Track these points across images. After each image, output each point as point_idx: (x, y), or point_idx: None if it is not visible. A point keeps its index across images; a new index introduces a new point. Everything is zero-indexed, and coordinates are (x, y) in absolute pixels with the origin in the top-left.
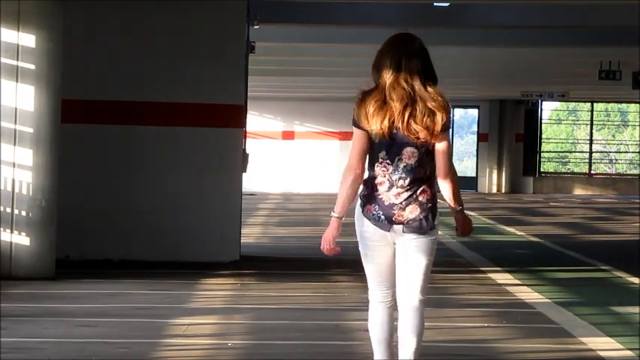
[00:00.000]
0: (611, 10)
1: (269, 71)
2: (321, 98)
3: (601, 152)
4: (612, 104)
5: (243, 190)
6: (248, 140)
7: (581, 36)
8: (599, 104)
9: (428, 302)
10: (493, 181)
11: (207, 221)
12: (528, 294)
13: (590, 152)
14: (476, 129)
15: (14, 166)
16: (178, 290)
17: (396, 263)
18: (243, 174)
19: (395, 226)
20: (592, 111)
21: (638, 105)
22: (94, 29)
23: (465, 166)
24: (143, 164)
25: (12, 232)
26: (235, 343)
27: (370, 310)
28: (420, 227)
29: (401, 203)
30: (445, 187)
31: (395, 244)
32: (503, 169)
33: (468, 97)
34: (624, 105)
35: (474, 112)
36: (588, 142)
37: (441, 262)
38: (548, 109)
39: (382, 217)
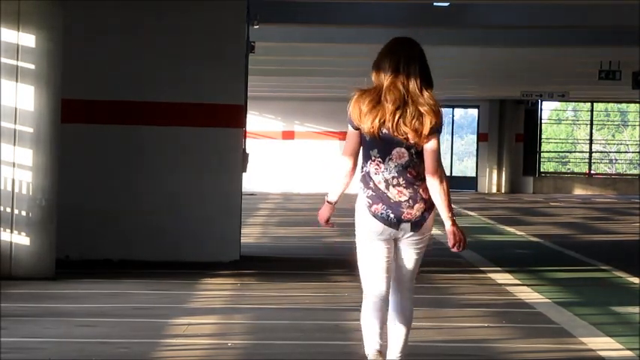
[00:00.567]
0: (611, 10)
1: (269, 71)
2: (321, 98)
3: (601, 152)
4: (612, 104)
5: (243, 190)
6: (248, 140)
7: (581, 36)
8: (599, 104)
9: (428, 302)
10: (493, 181)
11: (207, 221)
12: (528, 294)
13: (590, 152)
14: (476, 129)
15: (14, 166)
16: (178, 290)
17: (396, 258)
18: (243, 174)
19: (403, 224)
20: (592, 111)
21: (638, 105)
22: (94, 29)
23: (465, 166)
24: (143, 164)
25: (12, 232)
26: (235, 343)
27: (364, 303)
28: (425, 225)
29: (407, 201)
30: (433, 189)
31: (396, 240)
32: (503, 169)
33: (468, 97)
34: (624, 105)
35: (474, 112)
36: (588, 142)
37: (441, 262)
38: (548, 109)
39: (392, 215)
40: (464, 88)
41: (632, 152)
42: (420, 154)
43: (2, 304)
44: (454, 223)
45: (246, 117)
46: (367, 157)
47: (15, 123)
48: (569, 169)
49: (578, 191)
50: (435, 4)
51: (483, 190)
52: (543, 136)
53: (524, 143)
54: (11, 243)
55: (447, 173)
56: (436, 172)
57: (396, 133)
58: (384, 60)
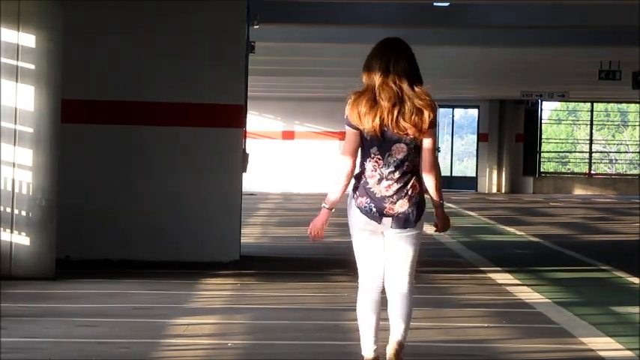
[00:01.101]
0: (611, 10)
1: (269, 71)
2: (321, 98)
3: (601, 152)
4: (612, 104)
5: (243, 190)
6: (248, 140)
7: (581, 36)
8: (599, 104)
9: (428, 302)
10: (493, 181)
11: (207, 221)
12: (528, 294)
13: (590, 152)
14: (476, 129)
15: (14, 166)
16: (178, 290)
17: (385, 253)
18: (243, 174)
19: (384, 219)
20: (592, 111)
21: (638, 105)
22: (94, 29)
23: (465, 166)
24: (143, 164)
25: (12, 232)
26: (235, 343)
27: (359, 294)
28: (407, 221)
29: (392, 197)
30: (429, 180)
31: (383, 234)
32: (503, 169)
33: (468, 97)
34: (624, 105)
35: (474, 112)
36: (588, 142)
37: (441, 262)
38: (548, 109)
39: (374, 209)
40: (464, 88)
41: (632, 152)
42: (417, 148)
43: (2, 304)
44: (442, 211)
45: (246, 117)
46: (366, 155)
47: (15, 123)
48: (569, 169)
49: (578, 191)
50: (435, 4)
51: (483, 190)
52: (543, 136)
53: (524, 143)
54: (11, 243)
55: (447, 173)
56: (434, 165)
57: (396, 130)
58: (374, 61)
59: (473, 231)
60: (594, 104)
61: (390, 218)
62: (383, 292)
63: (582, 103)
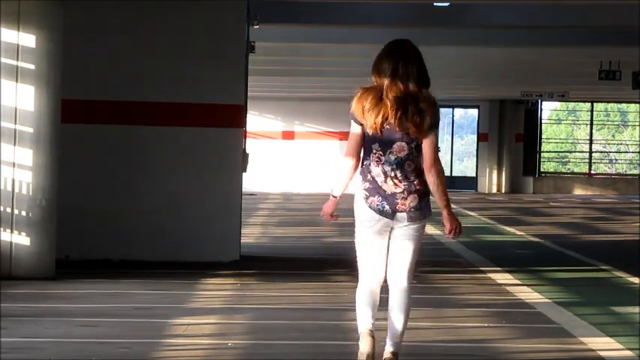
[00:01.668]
0: (611, 10)
1: (269, 71)
2: (321, 98)
3: (601, 152)
4: (612, 104)
5: (243, 190)
6: (248, 140)
7: (581, 36)
8: (599, 104)
9: (428, 302)
10: (493, 181)
11: (207, 221)
12: (528, 294)
13: (590, 152)
14: (476, 129)
15: (14, 166)
16: (178, 290)
17: (391, 248)
18: (243, 174)
19: (398, 214)
20: (592, 111)
21: (638, 105)
22: (94, 29)
23: (465, 166)
24: (143, 164)
25: (12, 232)
26: (235, 343)
27: (358, 286)
28: (419, 215)
29: (402, 192)
30: (431, 179)
31: (392, 230)
32: (503, 169)
33: (468, 97)
34: (624, 105)
35: (474, 112)
36: (588, 142)
37: (441, 262)
38: (548, 109)
39: (386, 207)
40: (464, 88)
41: (632, 152)
42: (419, 147)
43: (2, 304)
44: (449, 211)
45: (246, 117)
46: (369, 151)
47: (15, 123)
48: (569, 169)
49: (578, 191)
50: (435, 4)
51: (483, 190)
52: (543, 136)
53: (524, 143)
54: (11, 243)
55: (447, 173)
56: (434, 164)
57: (398, 129)
58: (383, 62)
59: (473, 231)
60: (594, 104)
61: (403, 213)
62: (382, 292)
63: (582, 103)
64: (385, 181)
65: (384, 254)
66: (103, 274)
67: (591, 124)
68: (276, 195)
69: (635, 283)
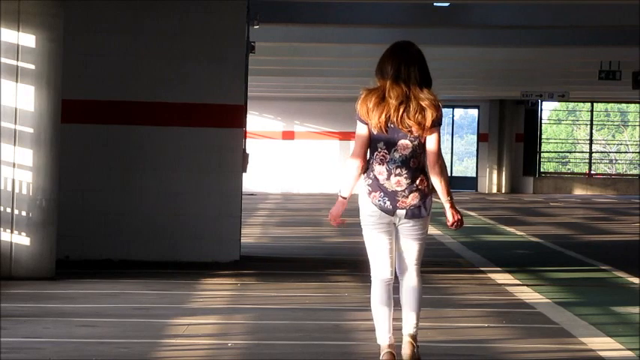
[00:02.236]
0: (611, 10)
1: (269, 71)
2: (321, 98)
3: (601, 152)
4: (612, 104)
5: (243, 190)
6: (248, 140)
7: (581, 36)
8: (599, 104)
9: (428, 302)
10: (493, 181)
11: (207, 221)
12: (528, 294)
13: (590, 152)
14: (476, 129)
15: (14, 166)
16: (178, 290)
17: (397, 243)
18: (243, 174)
19: (398, 211)
20: (592, 111)
21: (638, 105)
22: (95, 29)
23: (465, 166)
24: (143, 164)
25: (12, 232)
26: (235, 343)
27: (372, 288)
28: (420, 212)
29: (403, 191)
30: (434, 175)
31: (396, 225)
32: (503, 169)
33: (468, 97)
34: (624, 105)
35: (474, 112)
36: (588, 142)
37: (441, 262)
38: (548, 109)
39: (387, 202)
40: (464, 88)
41: (632, 152)
42: (422, 145)
43: (2, 304)
44: (452, 205)
45: (246, 117)
46: (374, 150)
47: (15, 123)
48: (569, 169)
49: (578, 191)
50: (435, 4)
51: (483, 190)
52: (543, 136)
53: (524, 143)
54: (11, 243)
55: (447, 173)
56: (437, 161)
57: (400, 127)
58: (386, 63)
59: (473, 231)
60: (594, 104)
61: (404, 210)
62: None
63: (582, 103)
64: (388, 179)
65: (391, 249)
66: (103, 274)
67: (591, 124)
68: (276, 195)
69: (635, 283)
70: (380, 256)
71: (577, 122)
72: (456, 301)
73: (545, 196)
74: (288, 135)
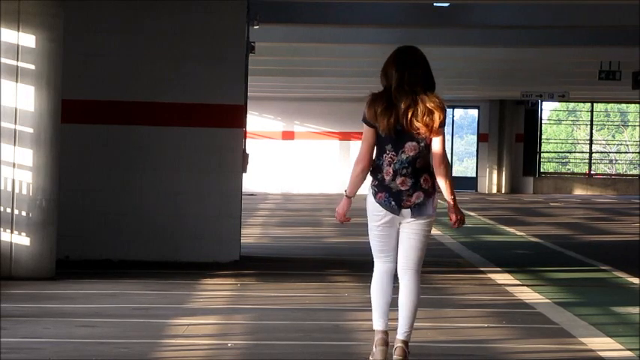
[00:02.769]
0: (611, 10)
1: (269, 71)
2: (321, 98)
3: (601, 152)
4: (612, 104)
5: (243, 190)
6: (248, 140)
7: (581, 36)
8: (599, 104)
9: (428, 302)
10: (493, 181)
11: (207, 221)
12: (528, 294)
13: (590, 152)
14: (476, 129)
15: (14, 166)
16: (178, 290)
17: (400, 240)
18: (243, 174)
19: (403, 210)
20: (592, 111)
21: (638, 105)
22: (94, 29)
23: (465, 166)
24: (143, 164)
25: (12, 232)
26: (235, 344)
27: (373, 275)
28: (425, 211)
29: (408, 190)
30: (439, 174)
31: (400, 224)
32: (503, 169)
33: (468, 97)
34: (624, 105)
35: (474, 113)
36: (588, 142)
37: (441, 262)
38: (548, 109)
39: (393, 202)
40: (464, 88)
41: (632, 152)
42: (428, 146)
43: (2, 304)
44: (455, 204)
45: (246, 117)
46: (382, 152)
47: (15, 123)
48: (569, 169)
49: (578, 191)
50: (435, 4)
51: (483, 190)
52: (543, 137)
53: (524, 143)
54: (11, 243)
55: (451, 173)
56: (442, 161)
57: (409, 129)
58: (391, 68)
59: (473, 231)
60: (594, 104)
61: (409, 209)
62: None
63: (582, 103)
64: (394, 179)
65: (394, 246)
66: (103, 274)
67: (591, 125)
68: (276, 195)
69: (635, 283)
70: (383, 252)
71: (577, 122)
72: (456, 301)
73: (545, 197)
74: (288, 135)
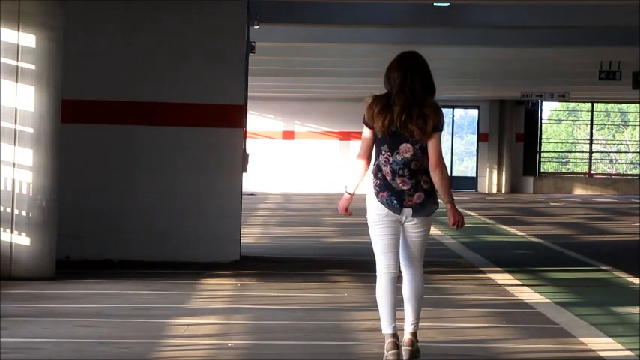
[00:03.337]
0: (611, 10)
1: (269, 71)
2: (321, 98)
3: (601, 152)
4: (612, 104)
5: (243, 190)
6: (248, 140)
7: (581, 36)
8: (599, 104)
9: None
10: (493, 181)
11: (207, 221)
12: (528, 294)
13: (590, 152)
14: (476, 129)
15: (14, 166)
16: (178, 290)
17: (402, 238)
18: (243, 174)
19: (405, 209)
20: (592, 111)
21: (638, 105)
22: (94, 29)
23: (465, 166)
24: (143, 164)
25: (12, 232)
26: (235, 343)
27: (378, 280)
28: (426, 211)
29: (409, 190)
30: (435, 178)
31: (402, 223)
32: (503, 169)
33: (468, 97)
34: (624, 105)
35: (474, 112)
36: (588, 142)
37: (441, 262)
38: (548, 109)
39: (395, 201)
40: (464, 88)
41: (632, 152)
42: (424, 149)
43: (2, 304)
44: (453, 206)
45: (246, 117)
46: (379, 152)
47: (15, 123)
48: (569, 169)
49: (578, 191)
50: (435, 4)
51: (483, 190)
52: (543, 136)
53: (524, 143)
54: (11, 243)
55: (448, 175)
56: (438, 164)
57: (403, 131)
58: (393, 72)
59: (473, 231)
60: (594, 104)
61: (410, 209)
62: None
63: (582, 103)
64: (394, 179)
65: (396, 245)
66: (103, 274)
67: (591, 125)
68: (276, 195)
69: (635, 283)
70: (385, 251)
71: (577, 122)
72: (456, 301)
73: (545, 196)
74: (288, 135)
